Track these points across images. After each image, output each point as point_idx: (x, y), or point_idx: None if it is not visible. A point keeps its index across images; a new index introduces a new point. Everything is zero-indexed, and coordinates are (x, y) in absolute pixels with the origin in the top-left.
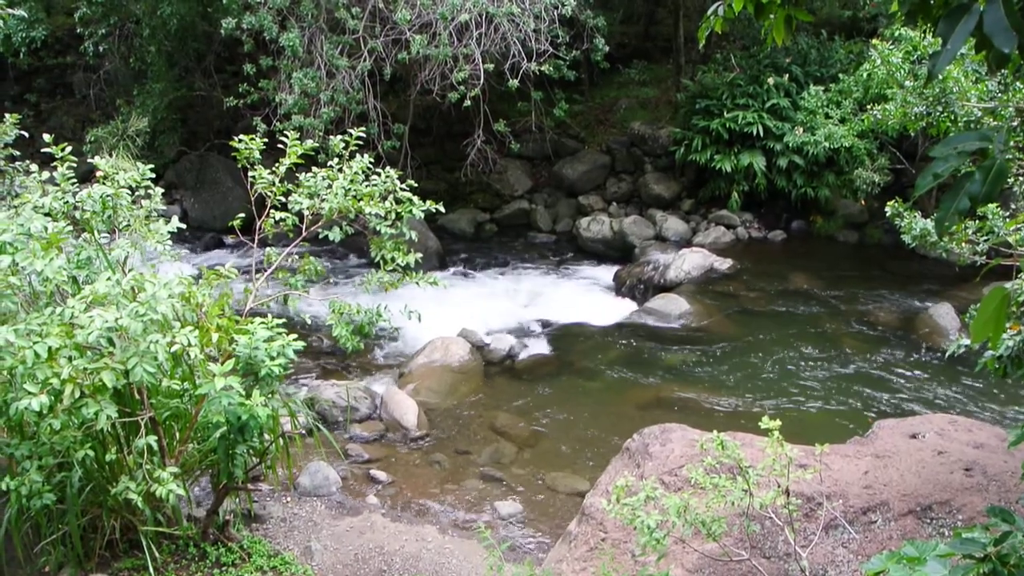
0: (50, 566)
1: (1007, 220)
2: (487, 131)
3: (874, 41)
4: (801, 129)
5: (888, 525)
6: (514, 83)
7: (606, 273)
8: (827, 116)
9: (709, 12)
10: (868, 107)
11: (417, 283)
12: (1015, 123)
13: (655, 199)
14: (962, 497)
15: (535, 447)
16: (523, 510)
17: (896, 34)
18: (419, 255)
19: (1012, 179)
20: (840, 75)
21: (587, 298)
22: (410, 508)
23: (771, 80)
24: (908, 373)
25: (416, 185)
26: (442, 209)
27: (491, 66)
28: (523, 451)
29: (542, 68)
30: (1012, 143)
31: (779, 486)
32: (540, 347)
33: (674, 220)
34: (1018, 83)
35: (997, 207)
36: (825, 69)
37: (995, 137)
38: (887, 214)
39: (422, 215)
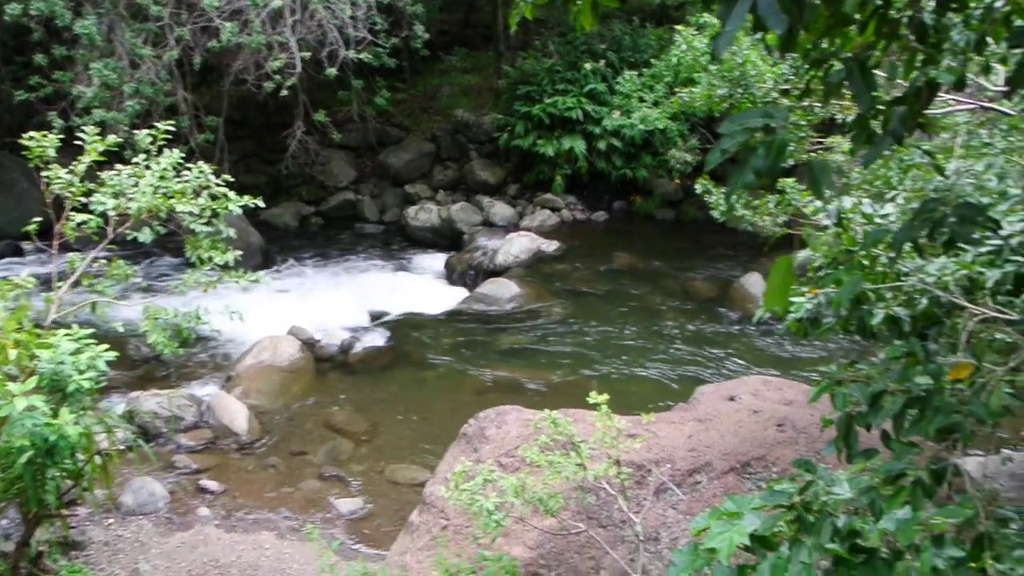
0: None
1: (802, 192)
2: (307, 121)
3: (679, 27)
4: (618, 113)
5: (712, 484)
6: (332, 71)
7: (436, 261)
8: (641, 100)
9: None
10: (677, 90)
11: (238, 282)
12: (806, 103)
13: (481, 185)
14: (776, 451)
15: (373, 441)
16: (364, 506)
17: (700, 20)
18: (239, 253)
19: (807, 155)
20: (652, 60)
21: (419, 287)
22: (246, 516)
23: (588, 66)
24: (725, 340)
25: (233, 180)
26: (262, 204)
27: (308, 54)
28: (361, 446)
29: (361, 56)
30: (804, 121)
31: (610, 457)
32: (373, 340)
33: (501, 205)
34: (806, 65)
35: (795, 182)
36: (638, 54)
37: (777, 114)
38: (697, 191)
39: (240, 211)
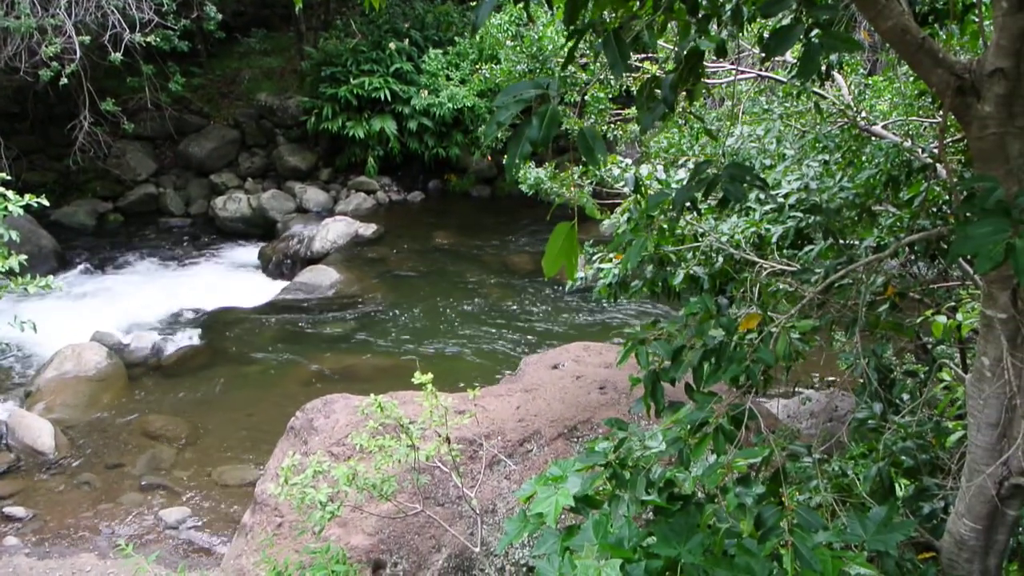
0: None
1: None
2: (95, 111)
3: (474, 3)
4: (426, 92)
5: (543, 451)
6: (117, 56)
7: (250, 252)
8: (448, 78)
9: None
10: (480, 67)
11: (26, 289)
12: (603, 76)
13: (292, 171)
14: (600, 413)
15: (196, 445)
16: (193, 512)
17: None
18: (23, 257)
19: (607, 127)
20: (456, 38)
21: (233, 281)
22: (60, 540)
23: (393, 45)
24: (546, 311)
25: (12, 178)
26: (47, 203)
27: (87, 39)
28: (183, 451)
29: (148, 39)
30: (604, 94)
31: (440, 436)
32: (188, 339)
33: (314, 191)
34: (572, 41)
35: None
36: (442, 33)
37: (549, 84)
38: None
39: (21, 212)
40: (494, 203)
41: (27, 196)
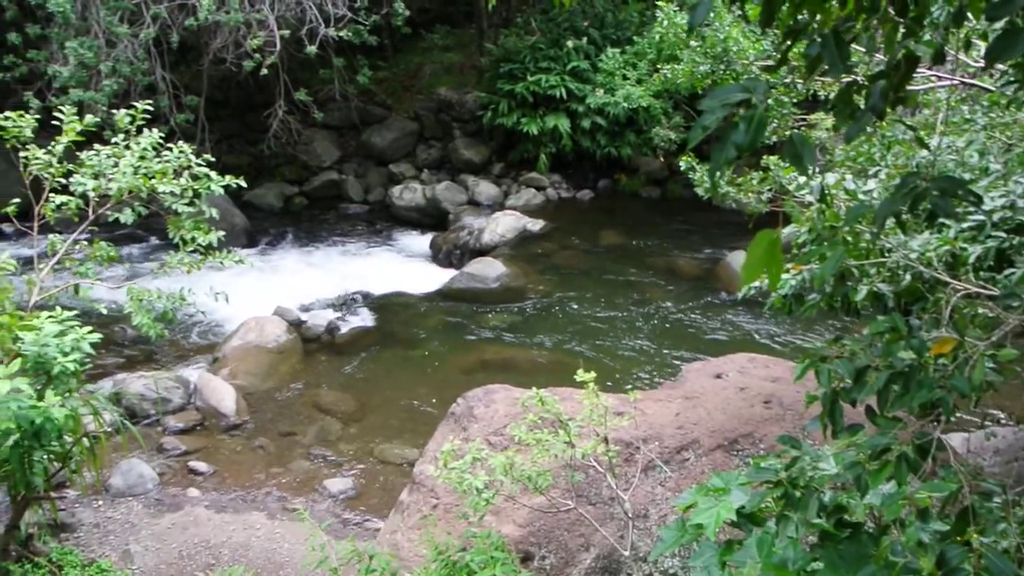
0: None
1: (785, 168)
2: (289, 101)
3: (660, 3)
4: (601, 91)
5: (700, 461)
6: (312, 49)
7: (422, 241)
8: (624, 77)
9: None
10: (660, 67)
11: (222, 263)
12: (788, 79)
13: (466, 164)
14: (763, 428)
15: (362, 421)
16: (354, 485)
17: None
18: (222, 233)
19: (789, 132)
20: (635, 37)
21: (404, 267)
22: (235, 497)
23: (571, 43)
24: (711, 318)
25: (215, 160)
26: (244, 184)
27: (287, 32)
28: (349, 426)
29: (341, 34)
30: (787, 98)
31: (598, 435)
32: (360, 320)
33: (486, 184)
34: (789, 41)
35: (779, 158)
36: (621, 32)
37: (756, 88)
38: (682, 168)
39: (222, 191)
40: (664, 205)
41: (227, 177)
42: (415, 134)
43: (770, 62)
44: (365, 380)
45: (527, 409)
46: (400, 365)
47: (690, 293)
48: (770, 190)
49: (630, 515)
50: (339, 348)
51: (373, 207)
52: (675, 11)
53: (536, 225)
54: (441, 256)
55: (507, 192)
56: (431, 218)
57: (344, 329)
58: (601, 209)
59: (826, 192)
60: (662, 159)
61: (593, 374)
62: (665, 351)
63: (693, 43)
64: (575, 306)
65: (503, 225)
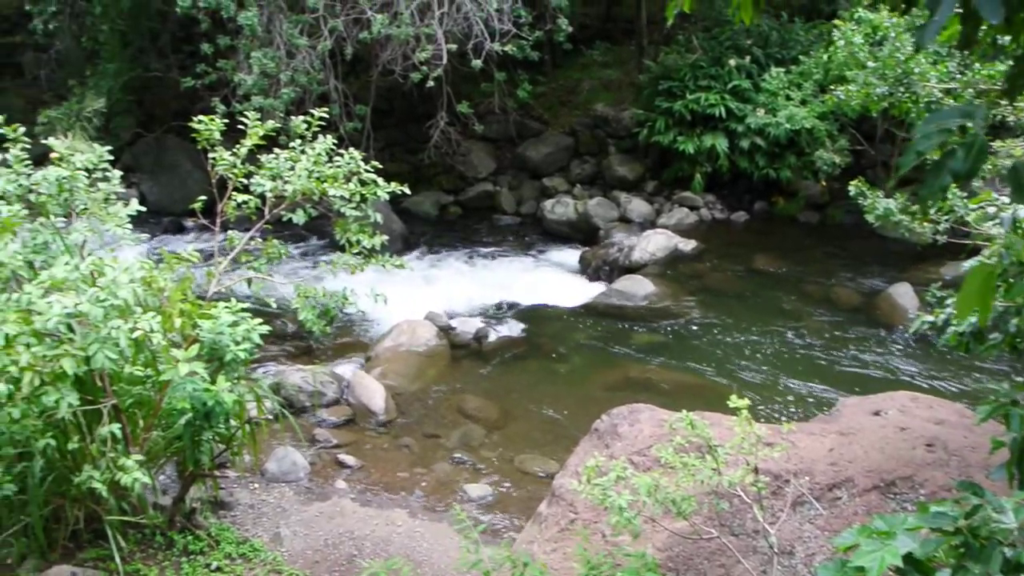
0: (12, 558)
1: (966, 199)
2: (450, 112)
3: (837, 22)
4: (763, 111)
5: (853, 501)
6: (477, 63)
7: (571, 255)
8: (788, 98)
9: None
10: (829, 89)
11: (383, 266)
12: (978, 102)
13: (619, 181)
14: (924, 472)
15: (504, 429)
16: (493, 492)
17: (857, 15)
18: (385, 238)
19: (1012, 160)
20: (801, 57)
21: (553, 280)
22: (380, 492)
23: (733, 62)
24: (870, 351)
25: (380, 167)
26: (407, 191)
27: (454, 46)
28: (492, 434)
29: (505, 48)
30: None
31: (747, 464)
32: (507, 330)
33: (638, 202)
34: (977, 64)
35: (956, 186)
36: (786, 51)
37: (976, 113)
38: (850, 194)
39: (387, 197)
40: (822, 231)
41: (392, 184)
42: (570, 149)
43: (954, 86)
44: (509, 389)
45: (674, 431)
46: (544, 377)
47: (848, 324)
48: (947, 220)
49: (775, 550)
50: (486, 355)
51: (525, 219)
52: (852, 30)
53: (688, 245)
54: (590, 271)
55: (659, 210)
56: (581, 233)
57: (491, 337)
58: (756, 232)
59: (1020, 224)
60: (823, 183)
61: (747, 401)
62: (819, 383)
63: (870, 64)
64: (725, 330)
65: (654, 243)
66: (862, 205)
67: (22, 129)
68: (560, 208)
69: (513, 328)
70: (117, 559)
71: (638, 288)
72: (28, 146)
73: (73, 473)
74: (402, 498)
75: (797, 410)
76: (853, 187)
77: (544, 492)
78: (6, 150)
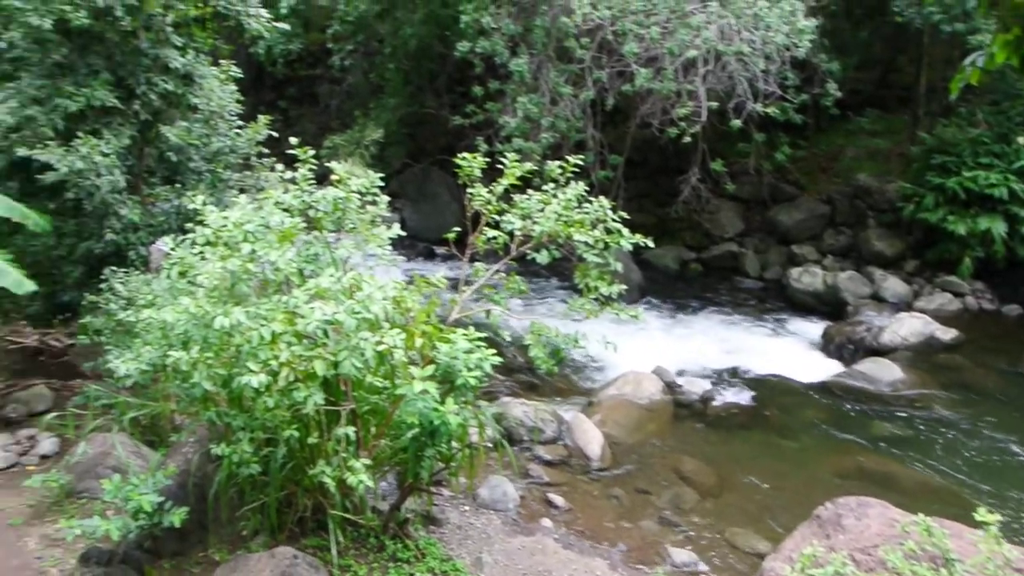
0: (247, 531)
1: None
2: (703, 169)
3: None
4: None
5: None
6: (737, 123)
7: (813, 328)
8: None
9: (966, 62)
10: None
11: (618, 314)
12: None
13: (875, 256)
14: None
15: (718, 498)
16: (698, 561)
17: None
18: (623, 287)
19: None
20: None
21: (790, 351)
22: (583, 538)
23: (1021, 139)
24: None
25: (626, 217)
26: (651, 244)
27: (714, 104)
28: (705, 500)
29: (767, 110)
30: None
31: None
32: (735, 395)
33: (894, 280)
34: None
35: None
36: None
37: None
38: None
39: (630, 247)
40: None
41: (636, 235)
42: (825, 217)
43: None
44: (729, 457)
45: (906, 534)
46: (768, 450)
47: None
48: None
49: None
50: (709, 419)
51: (768, 285)
52: None
53: (947, 334)
54: (832, 348)
55: (917, 292)
56: (827, 306)
57: (718, 400)
58: None
59: None
60: None
61: (997, 516)
62: None
63: None
64: (980, 433)
65: (907, 327)
66: None
67: (311, 152)
68: (807, 278)
69: (742, 394)
70: (334, 551)
71: (884, 373)
72: (314, 167)
73: (308, 465)
74: (605, 548)
75: None
76: None
77: (752, 572)
78: (296, 169)
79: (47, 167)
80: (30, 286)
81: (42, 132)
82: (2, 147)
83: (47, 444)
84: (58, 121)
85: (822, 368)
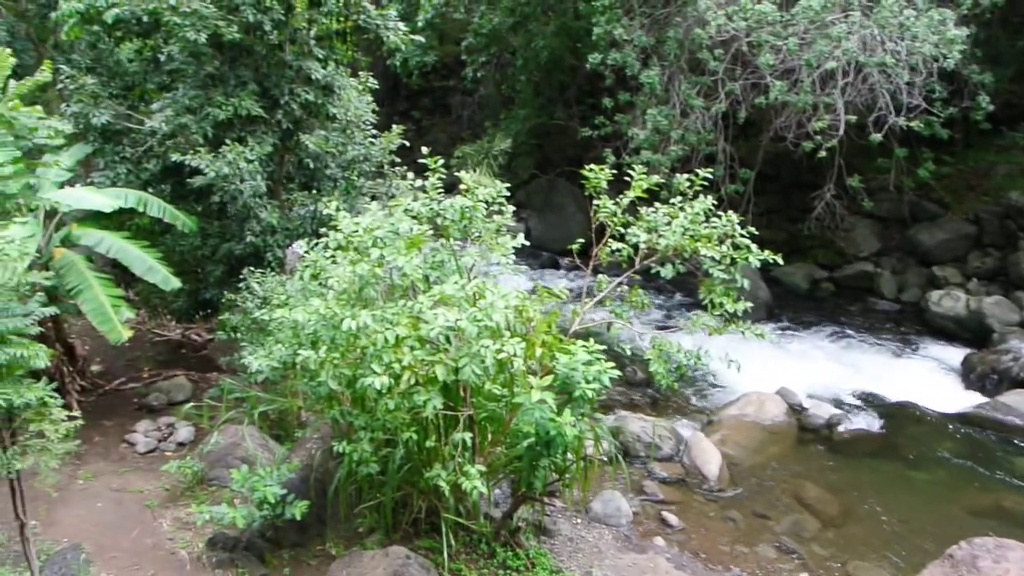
0: (363, 528)
1: None
2: (838, 185)
3: None
4: None
5: None
6: (877, 137)
7: (953, 355)
8: None
9: None
10: None
11: (743, 332)
12: None
13: None
14: None
15: (841, 528)
16: None
17: None
18: (749, 304)
19: None
20: None
21: (926, 379)
22: (696, 560)
23: None
24: None
25: (755, 232)
26: (780, 261)
27: (853, 118)
28: (827, 529)
29: (910, 124)
30: None
31: None
32: (864, 422)
33: None
34: None
35: None
36: None
37: None
38: None
39: (758, 264)
40: None
41: (765, 252)
42: (970, 238)
43: None
44: (855, 486)
45: None
46: (898, 482)
47: None
48: None
49: None
50: (836, 445)
51: (904, 308)
52: None
53: None
54: (973, 377)
55: None
56: (969, 332)
57: (845, 426)
58: None
59: None
60: None
61: None
62: None
63: None
64: None
65: None
66: None
67: (441, 161)
68: (949, 301)
69: (871, 421)
70: (445, 554)
71: None
72: (443, 176)
73: (425, 468)
74: (719, 571)
75: None
76: None
77: None
78: (426, 177)
79: (196, 171)
80: (176, 283)
81: (193, 139)
82: (158, 152)
83: (184, 432)
84: (208, 129)
85: (961, 398)
